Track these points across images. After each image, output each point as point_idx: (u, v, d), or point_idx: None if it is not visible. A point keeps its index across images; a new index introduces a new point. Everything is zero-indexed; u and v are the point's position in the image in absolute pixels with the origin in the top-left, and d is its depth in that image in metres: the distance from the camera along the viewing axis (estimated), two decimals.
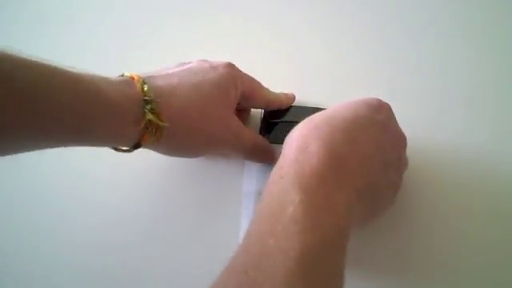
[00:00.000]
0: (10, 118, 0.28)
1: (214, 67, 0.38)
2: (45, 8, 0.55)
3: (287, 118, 0.43)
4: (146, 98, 0.33)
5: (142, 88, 0.33)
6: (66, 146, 0.32)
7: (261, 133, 0.43)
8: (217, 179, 0.43)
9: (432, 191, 0.41)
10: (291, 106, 0.44)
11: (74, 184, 0.44)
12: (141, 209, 0.42)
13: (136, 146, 0.35)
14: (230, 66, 0.39)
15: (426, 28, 0.50)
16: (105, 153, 0.35)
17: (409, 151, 0.37)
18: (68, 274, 0.40)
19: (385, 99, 0.35)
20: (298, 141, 0.31)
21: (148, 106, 0.33)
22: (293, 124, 0.40)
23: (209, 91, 0.36)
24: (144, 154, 0.36)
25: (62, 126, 0.30)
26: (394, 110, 0.36)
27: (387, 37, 0.50)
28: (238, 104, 0.40)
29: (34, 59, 0.29)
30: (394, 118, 0.36)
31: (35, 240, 0.42)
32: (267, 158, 0.41)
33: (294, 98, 0.44)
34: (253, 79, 0.41)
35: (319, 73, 0.48)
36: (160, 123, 0.33)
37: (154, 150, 0.37)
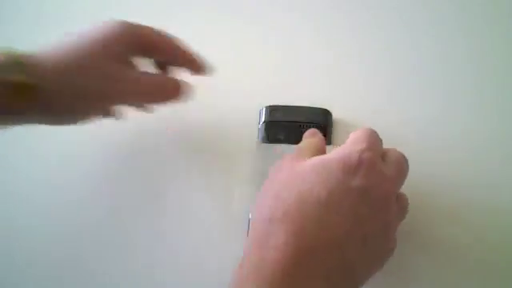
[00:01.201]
0: None
1: (95, 25, 0.36)
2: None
3: (286, 118, 0.43)
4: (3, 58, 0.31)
5: (6, 53, 0.32)
6: None
7: (259, 134, 0.43)
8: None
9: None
10: (290, 106, 0.44)
11: (73, 179, 0.44)
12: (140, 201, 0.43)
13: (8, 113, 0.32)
14: (119, 20, 0.37)
15: (426, 27, 0.50)
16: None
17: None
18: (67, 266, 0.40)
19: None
20: (263, 222, 0.29)
21: (12, 68, 0.31)
22: (292, 124, 0.40)
23: (85, 45, 0.34)
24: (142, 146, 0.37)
25: None
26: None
27: (386, 37, 0.50)
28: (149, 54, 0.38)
29: None
30: (377, 172, 0.30)
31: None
32: (165, 96, 0.39)
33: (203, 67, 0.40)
34: (151, 28, 0.38)
35: (318, 72, 0.48)
36: (29, 81, 0.31)
37: (36, 118, 0.35)
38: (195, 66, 0.40)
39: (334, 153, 0.32)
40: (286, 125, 0.42)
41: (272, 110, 0.43)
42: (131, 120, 0.45)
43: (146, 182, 0.43)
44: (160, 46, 0.38)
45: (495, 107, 0.45)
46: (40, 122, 0.35)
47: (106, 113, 0.39)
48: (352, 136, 0.33)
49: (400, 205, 0.33)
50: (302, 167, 0.31)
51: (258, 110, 0.44)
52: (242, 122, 0.45)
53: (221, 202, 0.41)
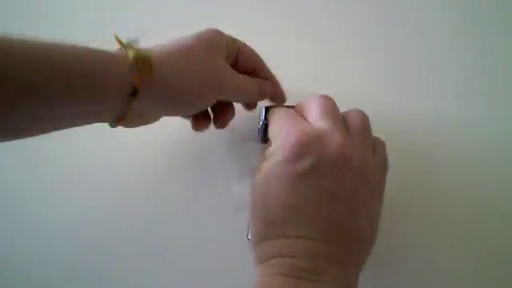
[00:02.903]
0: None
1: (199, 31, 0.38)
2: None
3: None
4: (126, 45, 0.33)
5: (121, 41, 0.34)
6: (57, 113, 0.32)
7: (259, 134, 0.43)
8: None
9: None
10: (290, 107, 0.44)
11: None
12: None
13: (134, 94, 0.33)
14: (214, 28, 0.39)
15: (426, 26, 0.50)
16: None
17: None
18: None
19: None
20: (257, 256, 0.32)
21: (129, 50, 0.33)
22: None
23: (190, 41, 0.36)
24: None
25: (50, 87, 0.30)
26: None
27: (385, 36, 0.50)
28: (237, 60, 0.41)
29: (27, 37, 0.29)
30: (313, 142, 0.32)
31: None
32: (264, 93, 0.41)
33: (283, 97, 0.43)
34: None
35: (318, 72, 0.48)
36: (143, 54, 0.32)
37: (151, 108, 0.36)
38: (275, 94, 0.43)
39: (272, 156, 0.33)
40: None
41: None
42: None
43: (146, 182, 0.43)
44: (249, 53, 0.41)
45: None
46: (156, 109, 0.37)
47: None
48: (275, 131, 0.35)
49: (377, 150, 0.35)
50: (261, 188, 0.32)
51: (257, 112, 0.44)
52: (242, 122, 0.45)
53: (221, 202, 0.41)
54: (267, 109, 0.43)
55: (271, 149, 0.33)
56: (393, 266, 0.39)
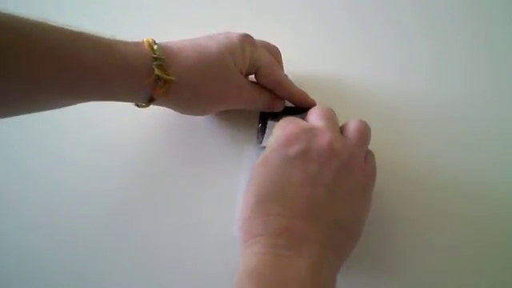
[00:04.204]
0: (44, 73, 0.33)
1: (227, 34, 0.41)
2: None
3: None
4: (155, 55, 0.37)
5: (152, 47, 0.37)
6: (87, 101, 0.37)
7: (259, 134, 0.43)
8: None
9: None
10: (290, 107, 0.44)
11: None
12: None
13: (151, 100, 0.39)
14: (246, 35, 0.41)
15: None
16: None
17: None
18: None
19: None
20: (243, 231, 0.33)
21: (155, 63, 0.37)
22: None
23: (212, 53, 0.39)
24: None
25: (85, 82, 0.35)
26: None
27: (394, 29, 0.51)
28: (255, 76, 0.43)
29: (58, 25, 0.34)
30: (307, 133, 0.34)
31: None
32: (274, 108, 0.43)
33: (312, 102, 0.44)
34: (269, 55, 0.43)
35: (318, 72, 0.48)
36: (166, 77, 0.37)
37: (167, 106, 0.41)
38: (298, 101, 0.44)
39: (270, 144, 0.35)
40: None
41: (270, 111, 0.44)
42: (130, 120, 0.45)
43: (146, 182, 0.43)
44: (268, 72, 0.42)
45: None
46: (171, 108, 0.41)
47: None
48: (277, 127, 0.37)
49: (368, 159, 0.36)
50: (256, 170, 0.35)
51: (256, 113, 0.45)
52: (242, 122, 0.45)
53: (220, 203, 0.41)
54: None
55: (270, 139, 0.36)
56: (389, 266, 0.39)
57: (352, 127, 0.36)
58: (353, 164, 0.34)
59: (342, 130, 0.37)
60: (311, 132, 0.35)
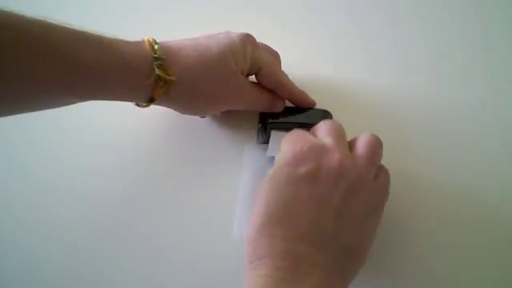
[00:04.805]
0: (44, 72, 0.33)
1: (228, 34, 0.41)
2: None
3: (286, 119, 0.43)
4: (155, 55, 0.37)
5: (153, 47, 0.37)
6: (87, 100, 0.37)
7: (259, 134, 0.43)
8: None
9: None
10: (290, 107, 0.44)
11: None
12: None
13: (151, 100, 0.38)
14: (247, 34, 0.41)
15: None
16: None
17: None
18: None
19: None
20: (248, 253, 0.32)
21: (156, 62, 0.37)
22: (292, 125, 0.40)
23: (213, 53, 0.39)
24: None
25: (86, 81, 0.35)
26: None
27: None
28: (256, 76, 0.43)
29: (59, 23, 0.34)
30: (317, 152, 0.34)
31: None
32: (274, 108, 0.43)
33: (312, 102, 0.44)
34: (270, 55, 0.43)
35: (319, 72, 0.48)
36: (166, 77, 0.37)
37: (167, 106, 0.41)
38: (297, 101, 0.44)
39: (278, 161, 0.34)
40: (286, 126, 0.42)
41: (269, 112, 0.44)
42: (130, 120, 0.45)
43: (146, 182, 0.43)
44: (269, 72, 0.42)
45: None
46: (171, 108, 0.41)
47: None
48: (285, 141, 0.36)
49: (380, 176, 0.35)
50: (264, 187, 0.34)
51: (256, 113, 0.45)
52: (242, 122, 0.45)
53: (220, 203, 0.41)
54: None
55: (279, 156, 0.35)
56: (388, 266, 0.39)
57: (362, 143, 0.35)
58: (361, 184, 0.33)
59: (350, 145, 0.36)
60: (320, 151, 0.33)
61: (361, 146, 0.35)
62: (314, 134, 0.37)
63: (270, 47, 0.44)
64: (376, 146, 0.35)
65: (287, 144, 0.35)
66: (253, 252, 0.32)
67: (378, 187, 0.34)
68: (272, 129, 0.42)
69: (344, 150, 0.34)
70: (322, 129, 0.36)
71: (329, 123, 0.37)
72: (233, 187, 0.41)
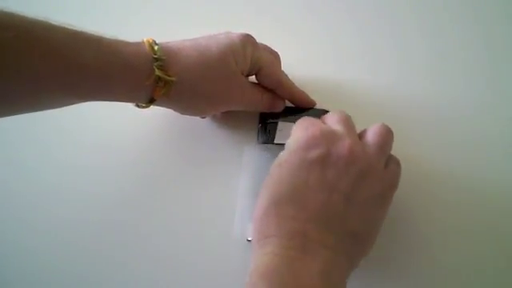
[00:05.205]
0: (44, 72, 0.33)
1: (228, 34, 0.41)
2: None
3: (286, 119, 0.43)
4: (155, 56, 0.37)
5: (152, 48, 0.37)
6: (87, 101, 0.37)
7: (259, 134, 0.43)
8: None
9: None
10: (290, 107, 0.44)
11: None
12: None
13: (151, 101, 0.39)
14: (247, 35, 0.41)
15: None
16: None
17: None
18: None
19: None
20: (256, 231, 0.33)
21: (156, 63, 0.37)
22: (292, 125, 0.40)
23: (213, 53, 0.39)
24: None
25: (86, 81, 0.35)
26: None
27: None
28: (256, 76, 0.43)
29: (60, 24, 0.34)
30: (329, 138, 0.34)
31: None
32: (274, 108, 0.44)
33: (312, 102, 0.44)
34: (270, 55, 0.43)
35: (319, 72, 0.48)
36: (167, 78, 0.37)
37: (167, 106, 0.41)
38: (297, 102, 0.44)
39: (289, 145, 0.35)
40: (282, 125, 0.43)
41: (270, 112, 0.44)
42: (130, 121, 0.45)
43: (145, 182, 0.43)
44: (269, 72, 0.42)
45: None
46: (171, 108, 0.42)
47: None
48: (297, 127, 0.36)
49: (390, 165, 0.35)
50: (275, 170, 0.34)
51: (256, 113, 0.45)
52: (242, 123, 0.45)
53: (220, 203, 0.41)
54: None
55: (289, 140, 0.35)
56: (388, 266, 0.39)
57: (372, 132, 0.35)
58: (371, 172, 0.33)
59: (361, 135, 0.36)
60: (332, 136, 0.34)
61: (371, 135, 0.35)
62: (324, 123, 0.37)
63: (269, 47, 0.44)
64: (387, 135, 0.35)
65: (300, 129, 0.35)
66: (260, 230, 0.32)
67: (387, 176, 0.34)
68: (271, 129, 0.42)
69: (354, 137, 0.35)
70: (333, 118, 0.37)
71: (339, 112, 0.37)
72: (233, 187, 0.41)
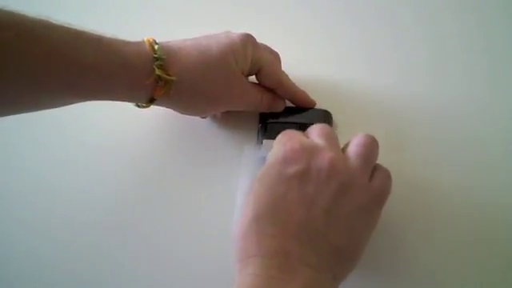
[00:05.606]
0: (45, 71, 0.33)
1: (228, 34, 0.41)
2: None
3: (286, 119, 0.43)
4: (155, 55, 0.37)
5: (153, 47, 0.37)
6: (87, 100, 0.37)
7: (259, 134, 0.44)
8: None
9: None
10: (290, 107, 0.44)
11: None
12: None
13: (151, 100, 0.39)
14: (247, 34, 0.41)
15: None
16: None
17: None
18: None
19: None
20: (238, 250, 0.32)
21: (156, 63, 0.37)
22: (292, 125, 0.40)
23: (213, 52, 0.39)
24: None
25: (87, 81, 0.35)
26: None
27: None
28: (257, 76, 0.43)
29: (60, 23, 0.34)
30: (307, 152, 0.33)
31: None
32: (275, 108, 0.44)
33: (313, 102, 0.44)
34: (270, 55, 0.43)
35: (319, 72, 0.48)
36: (167, 77, 0.37)
37: (167, 106, 0.41)
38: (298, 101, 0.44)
39: (269, 159, 0.34)
40: (286, 126, 0.42)
41: (270, 112, 0.44)
42: (130, 121, 0.45)
43: (145, 182, 0.43)
44: (270, 72, 0.42)
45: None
46: (171, 108, 0.42)
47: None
48: (277, 140, 0.36)
49: (376, 176, 0.34)
50: (255, 185, 0.34)
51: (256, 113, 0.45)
52: (242, 123, 0.45)
53: (220, 203, 0.41)
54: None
55: (270, 153, 0.35)
56: (387, 268, 0.39)
57: (355, 143, 0.34)
58: (353, 185, 0.32)
59: (344, 148, 0.35)
60: (312, 150, 0.33)
61: (354, 147, 0.34)
62: (306, 137, 0.36)
63: (270, 47, 0.44)
64: (370, 145, 0.34)
65: (278, 143, 0.35)
66: (242, 249, 0.31)
67: (372, 188, 0.33)
68: (271, 129, 0.42)
69: (336, 150, 0.34)
70: (314, 131, 0.36)
71: (320, 126, 0.36)
72: (233, 187, 0.41)
